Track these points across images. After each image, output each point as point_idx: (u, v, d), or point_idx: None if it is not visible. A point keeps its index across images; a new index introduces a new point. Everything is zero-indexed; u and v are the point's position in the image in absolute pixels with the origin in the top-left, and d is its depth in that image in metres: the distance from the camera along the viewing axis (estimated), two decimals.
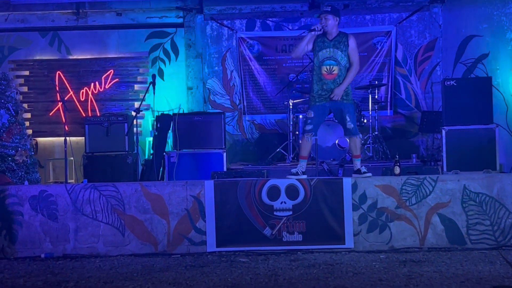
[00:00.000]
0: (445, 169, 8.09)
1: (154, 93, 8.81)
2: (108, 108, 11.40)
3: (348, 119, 7.01)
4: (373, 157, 9.72)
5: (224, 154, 8.76)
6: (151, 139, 10.30)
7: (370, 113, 9.94)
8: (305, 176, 7.00)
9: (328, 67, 6.98)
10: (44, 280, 5.74)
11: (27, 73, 11.56)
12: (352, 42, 7.06)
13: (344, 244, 6.71)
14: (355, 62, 7.07)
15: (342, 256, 6.48)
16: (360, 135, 7.25)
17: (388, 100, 11.15)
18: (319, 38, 7.04)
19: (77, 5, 11.30)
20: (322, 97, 7.03)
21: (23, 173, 8.13)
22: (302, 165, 7.15)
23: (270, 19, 11.48)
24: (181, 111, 10.72)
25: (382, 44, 11.20)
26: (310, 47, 7.08)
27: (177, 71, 11.51)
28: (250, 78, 11.44)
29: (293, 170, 7.08)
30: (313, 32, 6.98)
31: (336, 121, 7.74)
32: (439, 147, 9.02)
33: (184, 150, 8.81)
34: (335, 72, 6.98)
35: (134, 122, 9.05)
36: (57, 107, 11.33)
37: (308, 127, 7.09)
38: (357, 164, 7.11)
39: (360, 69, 10.82)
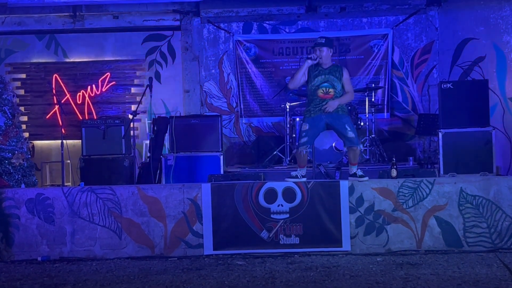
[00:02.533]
0: (442, 171, 8.09)
1: (151, 96, 8.80)
2: (105, 111, 11.39)
3: (348, 128, 6.97)
4: (370, 159, 9.73)
5: (221, 157, 8.76)
6: (148, 142, 10.31)
7: (367, 115, 9.95)
8: (304, 179, 6.99)
9: (324, 89, 6.99)
10: (41, 283, 5.74)
11: (24, 76, 11.55)
12: (346, 73, 7.13)
13: (341, 246, 6.71)
14: (350, 91, 7.15)
15: (339, 258, 6.49)
16: (361, 146, 7.21)
17: (385, 103, 11.16)
18: (314, 67, 7.08)
19: (74, 8, 11.29)
20: (317, 108, 7.00)
21: (19, 176, 8.13)
22: (302, 170, 7.13)
23: (267, 22, 11.48)
24: (178, 114, 10.74)
25: (379, 47, 11.21)
26: (305, 77, 7.13)
27: (174, 74, 11.50)
28: (247, 81, 11.45)
29: (293, 173, 7.07)
30: (309, 61, 7.03)
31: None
32: (436, 149, 9.02)
33: (181, 153, 8.80)
34: (331, 93, 6.99)
35: (131, 125, 9.05)
36: (54, 110, 11.31)
37: (303, 140, 7.04)
38: (353, 169, 7.08)
39: (357, 72, 10.95)
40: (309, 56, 7.06)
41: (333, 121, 7.02)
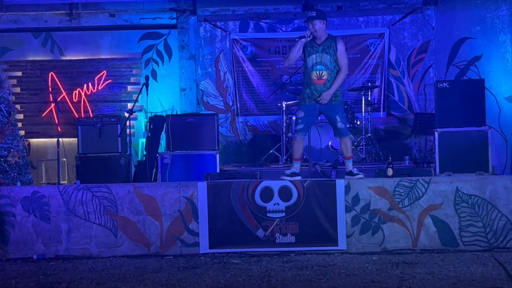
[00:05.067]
0: (437, 171, 8.10)
1: (147, 94, 8.80)
2: (101, 109, 11.38)
3: (338, 119, 7.01)
4: (366, 159, 9.74)
5: (217, 156, 8.75)
6: (144, 140, 10.30)
7: (363, 115, 9.96)
8: (299, 178, 7.00)
9: (317, 72, 7.01)
10: (36, 281, 5.73)
11: (19, 74, 11.53)
12: (340, 46, 7.08)
13: (337, 245, 6.72)
14: (344, 66, 7.08)
15: (335, 257, 6.49)
16: (351, 136, 7.23)
17: (381, 102, 11.17)
18: (308, 43, 7.07)
19: (70, 6, 11.27)
20: (312, 98, 7.05)
21: (15, 174, 8.10)
22: (296, 166, 7.14)
23: (264, 21, 11.49)
24: (174, 113, 10.74)
25: (375, 46, 11.22)
26: (300, 52, 7.11)
27: (170, 72, 11.49)
28: (244, 79, 11.45)
29: (288, 172, 7.08)
30: (303, 39, 7.02)
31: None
32: (432, 149, 9.05)
33: (177, 151, 8.80)
34: (325, 77, 7.00)
35: (127, 123, 9.03)
36: (50, 108, 11.29)
37: (299, 127, 7.08)
38: (349, 165, 7.10)
39: (353, 71, 10.94)
40: (301, 35, 7.05)
41: (326, 110, 7.09)
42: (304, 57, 7.14)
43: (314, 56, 7.03)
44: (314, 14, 7.05)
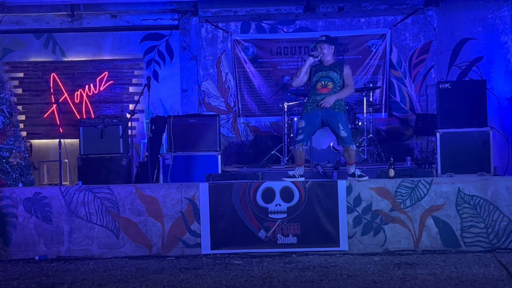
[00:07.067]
0: (439, 171, 8.09)
1: (148, 95, 8.81)
2: (103, 110, 11.39)
3: (341, 127, 6.95)
4: (368, 159, 9.73)
5: (219, 157, 8.75)
6: (145, 141, 10.30)
7: (365, 115, 9.96)
8: (302, 179, 6.98)
9: (323, 82, 7.01)
10: (38, 282, 5.73)
11: (21, 75, 11.56)
12: (347, 69, 7.12)
13: (339, 246, 6.71)
14: (350, 85, 7.10)
15: (337, 258, 6.49)
16: (354, 146, 7.19)
17: (383, 103, 11.17)
18: (315, 66, 7.13)
19: (72, 7, 11.29)
20: (314, 104, 7.01)
21: (17, 175, 8.10)
22: (300, 169, 7.13)
23: (265, 22, 11.49)
24: (175, 114, 10.73)
25: (377, 46, 11.22)
26: (308, 76, 7.16)
27: (172, 73, 11.51)
28: (245, 80, 11.45)
29: (290, 173, 7.05)
30: (311, 58, 7.05)
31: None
32: (434, 149, 9.03)
33: (178, 152, 8.79)
34: (330, 86, 6.99)
35: (129, 124, 9.04)
36: (52, 109, 11.32)
37: (299, 137, 7.04)
38: (352, 169, 7.07)
39: (355, 72, 10.93)
40: (311, 53, 7.09)
41: (328, 118, 7.01)
42: (310, 77, 7.17)
43: (320, 73, 7.06)
44: (324, 39, 7.15)
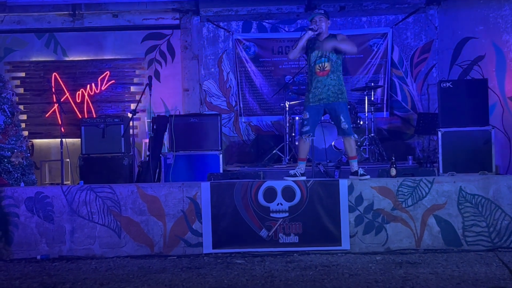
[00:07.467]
0: (441, 170, 8.09)
1: (150, 94, 8.81)
2: (104, 109, 11.40)
3: (343, 119, 7.01)
4: (369, 158, 9.73)
5: (220, 156, 8.75)
6: (147, 140, 10.30)
7: (366, 115, 9.96)
8: (304, 178, 6.99)
9: (320, 64, 7.05)
10: (40, 282, 5.74)
11: (23, 74, 11.57)
12: (340, 35, 7.20)
13: (340, 245, 6.71)
14: (348, 41, 7.20)
15: (338, 257, 6.49)
16: (355, 136, 7.23)
17: (384, 102, 11.17)
18: (311, 40, 7.14)
19: (73, 6, 11.30)
20: (316, 97, 7.04)
21: (19, 174, 8.12)
22: (301, 167, 7.13)
23: (267, 21, 11.49)
24: (177, 113, 10.74)
25: (378, 46, 11.22)
26: (305, 44, 7.15)
27: (173, 72, 11.51)
28: (247, 79, 11.45)
29: (291, 172, 7.06)
30: (310, 32, 7.04)
31: (332, 122, 7.75)
32: (435, 149, 9.02)
33: (180, 151, 8.80)
34: (327, 68, 7.03)
35: (130, 124, 9.04)
36: (53, 108, 11.33)
37: (305, 129, 7.08)
38: (354, 165, 7.08)
39: (356, 71, 10.95)
40: (310, 27, 7.10)
41: (331, 108, 7.09)
42: (307, 55, 7.18)
43: (315, 52, 7.07)
44: (322, 11, 7.21)
